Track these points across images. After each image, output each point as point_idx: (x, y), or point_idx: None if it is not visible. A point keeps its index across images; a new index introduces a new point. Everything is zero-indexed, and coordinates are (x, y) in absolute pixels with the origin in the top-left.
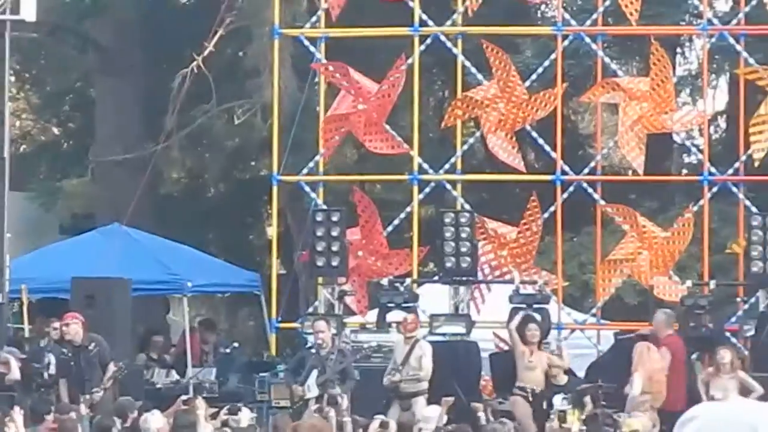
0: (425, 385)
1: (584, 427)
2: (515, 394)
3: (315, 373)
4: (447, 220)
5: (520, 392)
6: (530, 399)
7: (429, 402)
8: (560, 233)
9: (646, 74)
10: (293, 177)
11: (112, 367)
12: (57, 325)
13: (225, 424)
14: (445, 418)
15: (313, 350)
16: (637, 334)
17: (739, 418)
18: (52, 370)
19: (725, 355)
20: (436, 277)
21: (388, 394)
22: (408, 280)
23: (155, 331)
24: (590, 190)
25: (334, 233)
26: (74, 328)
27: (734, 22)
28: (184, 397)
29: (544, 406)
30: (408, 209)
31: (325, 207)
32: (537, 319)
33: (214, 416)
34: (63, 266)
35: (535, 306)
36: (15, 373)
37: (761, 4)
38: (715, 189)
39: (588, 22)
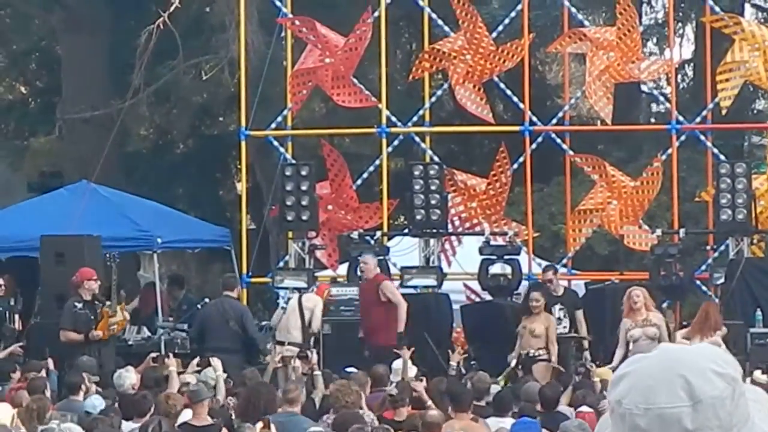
0: None
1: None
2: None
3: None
4: (416, 173)
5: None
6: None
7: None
8: (529, 184)
9: (613, 24)
10: (261, 132)
11: None
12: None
13: (198, 378)
14: (414, 370)
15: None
16: None
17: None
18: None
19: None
20: (406, 230)
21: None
22: (378, 233)
23: (119, 286)
24: (559, 140)
25: (304, 187)
26: (96, 285)
27: None
28: (153, 355)
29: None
30: (377, 162)
31: (294, 161)
32: (539, 288)
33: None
34: (31, 224)
35: (506, 257)
36: None
37: None
38: (683, 137)
39: None
